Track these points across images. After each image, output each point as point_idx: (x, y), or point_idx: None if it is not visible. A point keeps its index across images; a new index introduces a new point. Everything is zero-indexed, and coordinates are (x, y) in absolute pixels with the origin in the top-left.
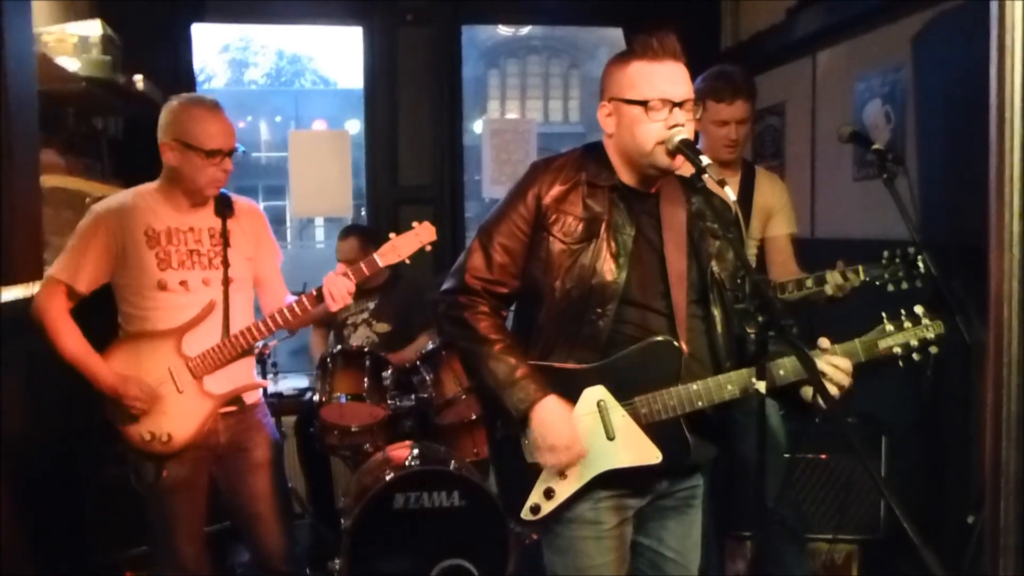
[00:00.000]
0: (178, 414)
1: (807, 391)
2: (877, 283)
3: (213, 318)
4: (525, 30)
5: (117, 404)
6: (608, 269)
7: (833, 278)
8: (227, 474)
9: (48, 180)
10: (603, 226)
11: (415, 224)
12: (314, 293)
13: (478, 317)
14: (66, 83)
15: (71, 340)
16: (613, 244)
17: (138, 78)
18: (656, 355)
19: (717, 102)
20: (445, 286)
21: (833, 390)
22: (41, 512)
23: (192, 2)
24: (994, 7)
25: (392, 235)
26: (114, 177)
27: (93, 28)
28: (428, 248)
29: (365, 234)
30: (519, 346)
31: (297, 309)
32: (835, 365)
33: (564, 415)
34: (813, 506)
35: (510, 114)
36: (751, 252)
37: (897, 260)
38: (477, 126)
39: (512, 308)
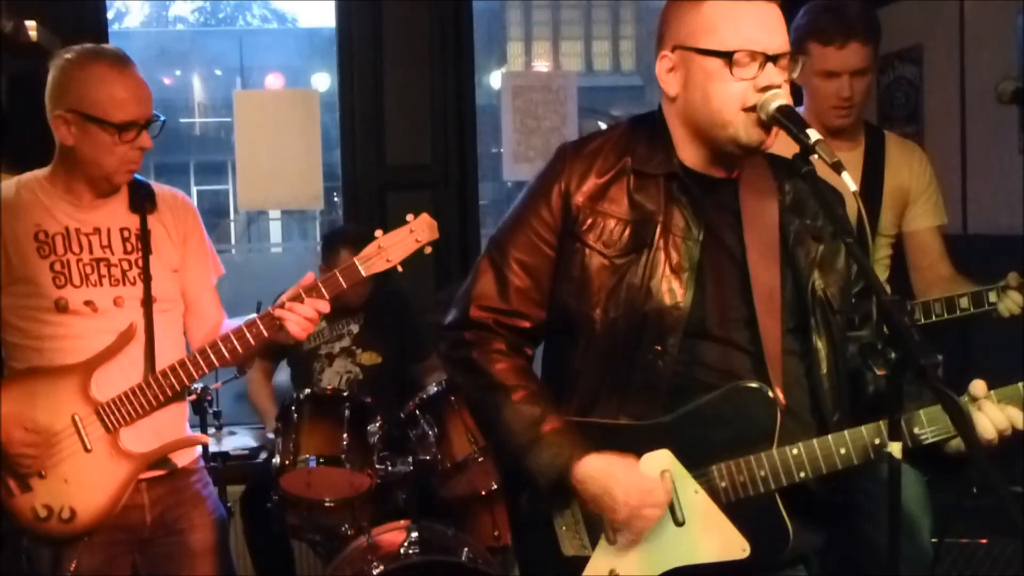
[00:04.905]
0: (85, 481)
1: (954, 446)
2: None
3: (131, 350)
4: None
5: None
6: (667, 290)
7: (1008, 304)
8: (154, 565)
9: None
10: (658, 230)
11: (409, 218)
12: (272, 316)
13: (491, 357)
14: None
15: None
16: (674, 254)
17: (30, 24)
18: (742, 408)
19: (824, 45)
20: (447, 319)
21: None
22: None
23: None
24: None
25: (379, 233)
26: None
27: None
28: (428, 250)
29: (358, 242)
30: (549, 395)
31: (249, 337)
32: (992, 420)
33: (621, 461)
34: None
35: (539, 63)
36: (881, 255)
37: None
38: (494, 80)
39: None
